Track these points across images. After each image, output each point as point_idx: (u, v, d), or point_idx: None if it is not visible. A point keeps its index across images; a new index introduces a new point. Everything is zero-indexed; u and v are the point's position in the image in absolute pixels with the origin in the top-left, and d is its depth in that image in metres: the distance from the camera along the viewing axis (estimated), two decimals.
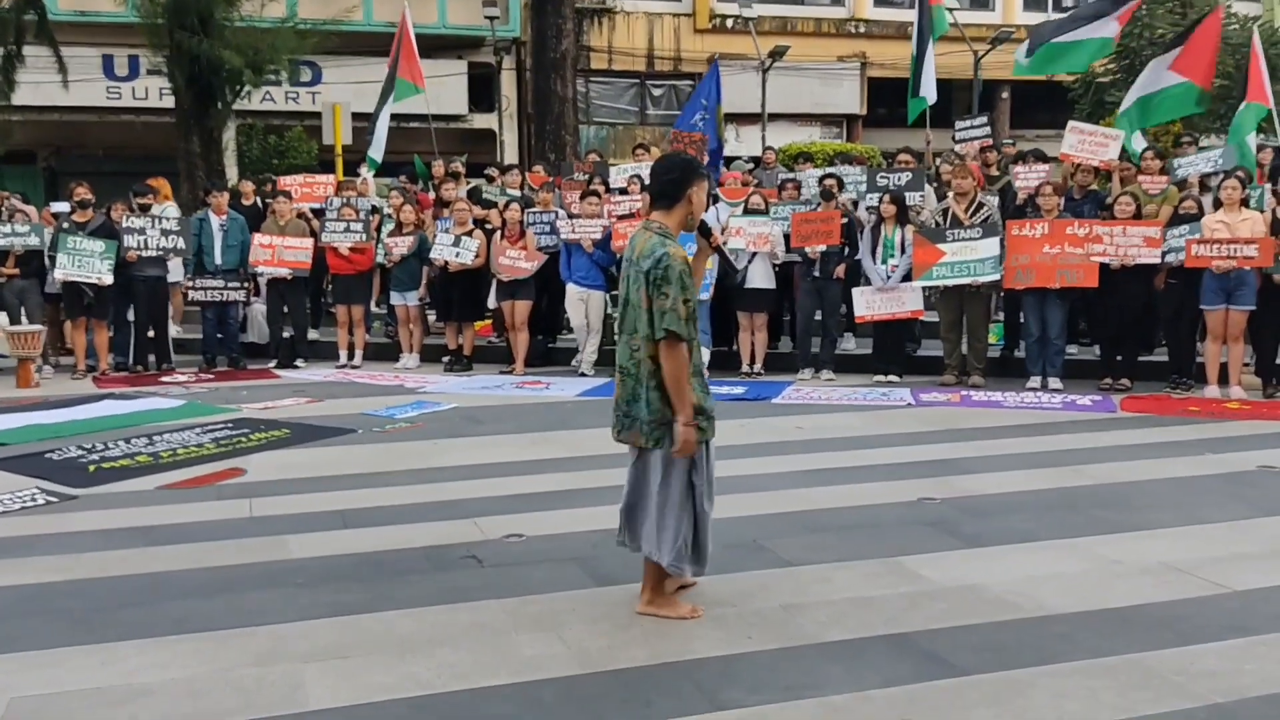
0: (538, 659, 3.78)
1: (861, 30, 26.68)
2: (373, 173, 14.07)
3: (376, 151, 14.51)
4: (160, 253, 10.90)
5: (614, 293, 10.83)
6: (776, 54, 21.87)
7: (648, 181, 4.09)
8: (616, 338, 4.34)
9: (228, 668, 3.73)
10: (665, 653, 3.82)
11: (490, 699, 3.49)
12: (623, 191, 11.81)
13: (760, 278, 10.08)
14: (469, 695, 3.52)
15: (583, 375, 10.51)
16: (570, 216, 10.93)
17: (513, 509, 5.71)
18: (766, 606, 4.26)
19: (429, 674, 3.67)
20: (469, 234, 10.86)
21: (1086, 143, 10.79)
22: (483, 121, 24.43)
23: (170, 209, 12.08)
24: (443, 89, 21.90)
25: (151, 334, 11.16)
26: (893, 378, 9.87)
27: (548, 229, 10.89)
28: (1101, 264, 9.08)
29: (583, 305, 10.55)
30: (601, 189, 11.56)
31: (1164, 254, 9.06)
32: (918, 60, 13.57)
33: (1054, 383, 9.34)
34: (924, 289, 9.76)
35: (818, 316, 10.24)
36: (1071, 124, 11.15)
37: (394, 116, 15.18)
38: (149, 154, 20.75)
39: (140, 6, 16.00)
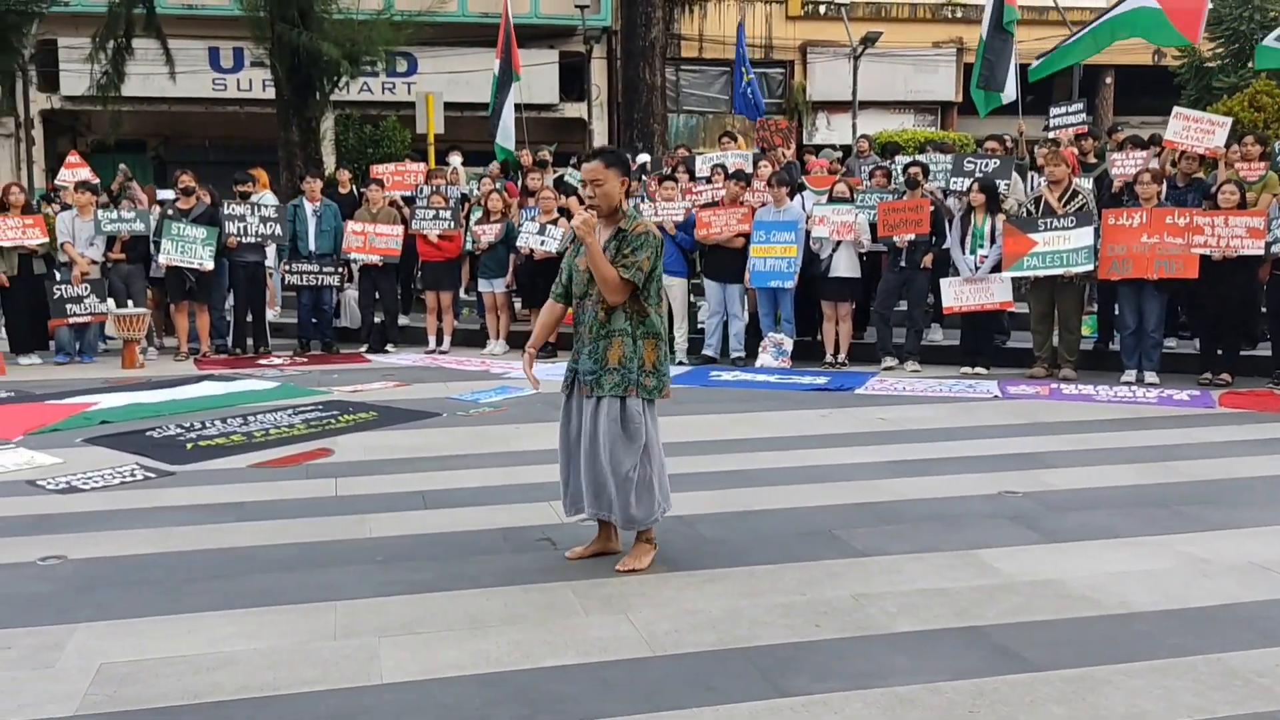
0: (605, 640, 3.82)
1: (958, 15, 26.13)
2: (502, 161, 14.37)
3: (506, 140, 14.78)
4: (259, 239, 11.24)
5: (695, 280, 10.84)
6: (869, 40, 21.58)
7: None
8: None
9: (307, 639, 3.85)
10: (732, 638, 3.83)
11: (557, 678, 3.54)
12: (707, 180, 11.78)
13: (845, 267, 9.96)
14: (537, 674, 3.57)
15: (679, 364, 10.41)
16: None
17: None
18: (836, 595, 4.24)
19: (499, 651, 3.74)
20: (554, 222, 10.97)
21: (1192, 129, 10.45)
22: (573, 111, 24.64)
23: (267, 197, 12.43)
24: (534, 78, 22.15)
25: (250, 318, 11.53)
26: (980, 369, 9.67)
27: None
28: (1202, 254, 8.78)
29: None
30: (684, 176, 11.58)
31: (1269, 244, 8.71)
32: (986, 50, 13.18)
33: (1150, 376, 9.07)
34: (1014, 280, 9.55)
35: (902, 306, 10.10)
36: (1176, 110, 10.80)
37: (484, 105, 15.50)
38: (252, 144, 21.41)
39: (244, 0, 16.50)
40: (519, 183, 13.24)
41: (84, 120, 23.73)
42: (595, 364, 4.50)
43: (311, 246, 11.42)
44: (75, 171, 12.92)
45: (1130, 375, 9.17)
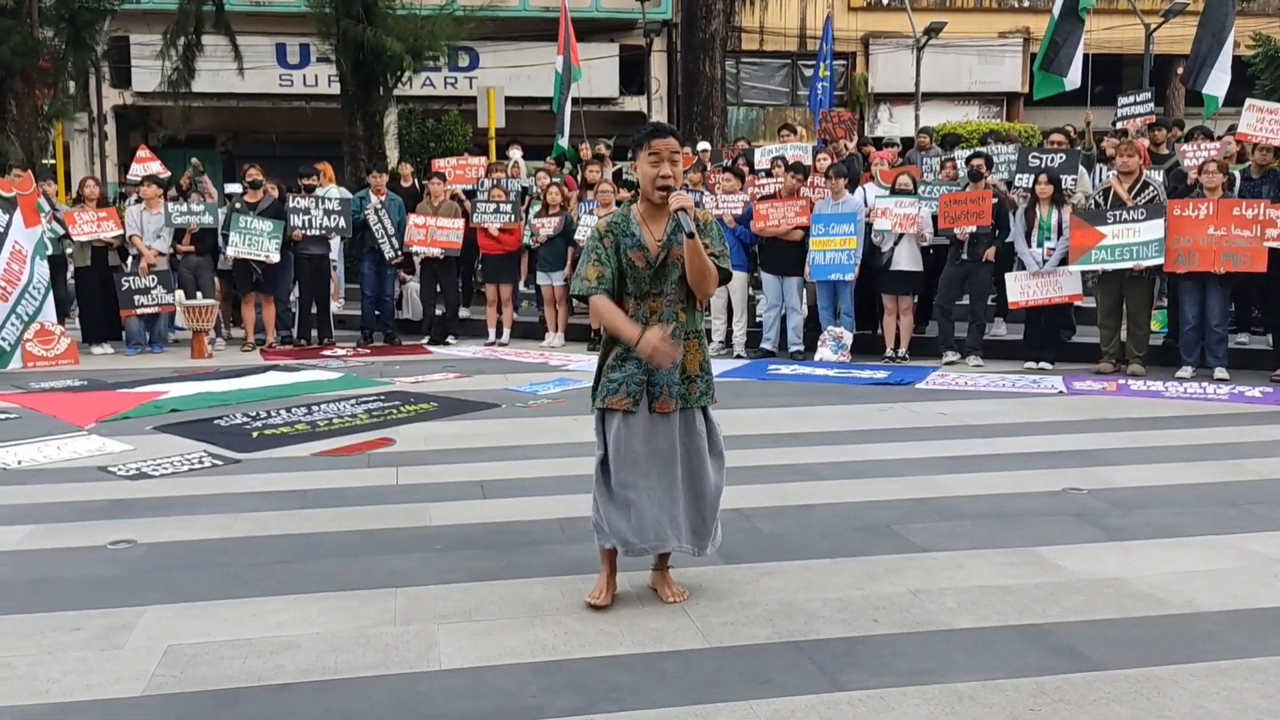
0: (661, 631, 3.83)
1: (1025, 4, 25.71)
2: (556, 157, 14.49)
3: (564, 137, 14.92)
4: (323, 232, 11.42)
5: (756, 274, 10.80)
6: (933, 31, 21.29)
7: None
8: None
9: (367, 625, 3.91)
10: (788, 632, 3.82)
11: (613, 667, 3.56)
12: (767, 173, 11.73)
13: (906, 260, 9.87)
14: (592, 663, 3.59)
15: (738, 357, 10.42)
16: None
17: None
18: (894, 591, 4.21)
19: (555, 640, 3.76)
20: None
21: (1265, 121, 10.16)
22: (633, 104, 24.66)
23: (333, 190, 12.62)
24: (594, 72, 22.18)
25: (314, 310, 11.72)
26: (1044, 365, 9.53)
27: None
28: (1273, 247, 8.56)
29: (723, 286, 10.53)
30: (746, 169, 11.53)
31: None
32: (1055, 31, 13.01)
33: (1219, 372, 8.86)
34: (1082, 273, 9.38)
35: (964, 300, 9.97)
36: (1249, 102, 10.50)
37: (545, 100, 15.62)
38: (318, 138, 21.73)
39: None
40: (577, 176, 13.30)
41: (155, 116, 24.28)
42: (678, 372, 3.99)
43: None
44: (146, 165, 13.20)
45: (1187, 371, 8.96)
